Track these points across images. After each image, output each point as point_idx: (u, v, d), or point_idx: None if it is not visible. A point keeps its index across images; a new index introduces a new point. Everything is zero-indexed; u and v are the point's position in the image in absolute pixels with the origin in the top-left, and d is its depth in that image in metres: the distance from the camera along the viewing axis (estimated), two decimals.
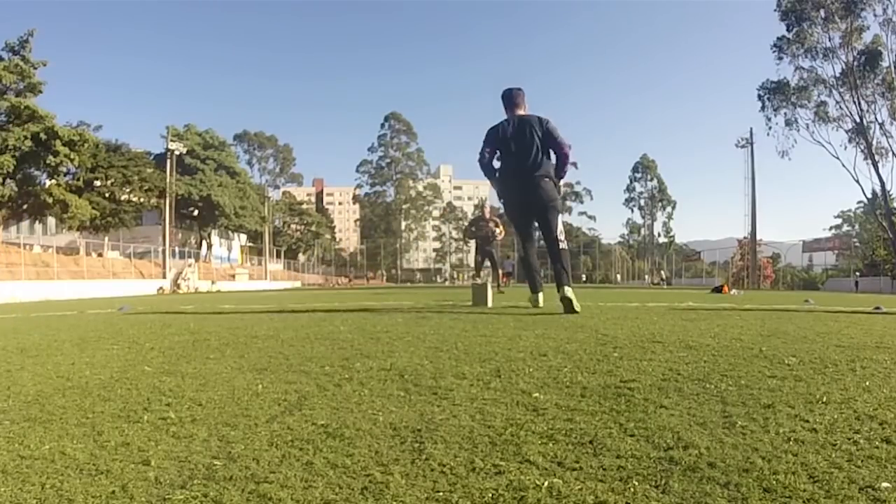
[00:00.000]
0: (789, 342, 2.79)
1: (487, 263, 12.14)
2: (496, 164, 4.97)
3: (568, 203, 72.32)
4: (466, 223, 13.97)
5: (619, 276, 64.05)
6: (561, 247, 4.84)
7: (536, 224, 5.09)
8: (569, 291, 4.64)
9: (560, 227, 4.93)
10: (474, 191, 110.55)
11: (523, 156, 4.75)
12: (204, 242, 49.17)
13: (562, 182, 5.07)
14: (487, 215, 11.75)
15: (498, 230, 11.48)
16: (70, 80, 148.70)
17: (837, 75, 33.99)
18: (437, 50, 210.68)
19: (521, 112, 4.96)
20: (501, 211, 6.08)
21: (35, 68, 27.65)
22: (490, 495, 0.96)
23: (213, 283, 34.83)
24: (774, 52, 35.77)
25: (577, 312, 4.48)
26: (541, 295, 5.24)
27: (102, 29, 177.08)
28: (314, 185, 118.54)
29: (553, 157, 4.86)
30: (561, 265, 4.80)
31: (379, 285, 44.63)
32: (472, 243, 12.88)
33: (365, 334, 3.32)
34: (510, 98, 5.01)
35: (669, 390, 1.69)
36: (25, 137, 25.51)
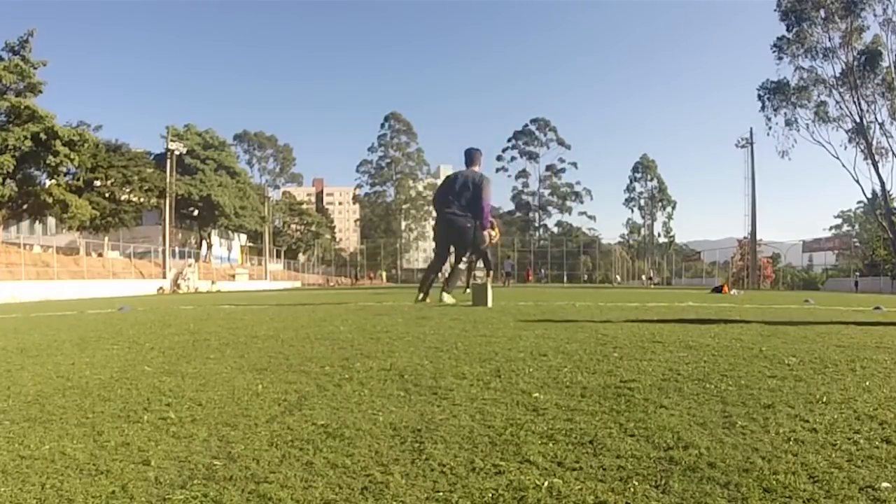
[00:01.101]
0: (789, 342, 2.79)
1: (481, 264, 12.10)
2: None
3: (568, 203, 72.32)
4: None
5: (618, 277, 64.09)
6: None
7: (453, 249, 6.79)
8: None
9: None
10: None
11: (458, 202, 6.26)
12: (204, 242, 49.14)
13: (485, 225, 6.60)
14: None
15: (494, 232, 11.48)
16: (70, 80, 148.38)
17: (837, 75, 33.98)
18: (437, 49, 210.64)
19: (474, 168, 6.48)
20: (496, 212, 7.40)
21: (35, 68, 27.62)
22: (490, 495, 0.96)
23: (213, 283, 34.79)
24: (774, 52, 35.75)
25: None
26: (429, 296, 6.61)
27: (102, 29, 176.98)
28: (314, 185, 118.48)
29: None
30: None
31: (378, 286, 44.60)
32: None
33: (365, 334, 3.33)
34: (469, 155, 6.54)
35: (669, 390, 1.69)
36: (25, 137, 25.49)
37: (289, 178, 72.54)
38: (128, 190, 34.81)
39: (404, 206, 76.19)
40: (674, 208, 69.52)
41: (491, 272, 12.62)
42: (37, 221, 31.59)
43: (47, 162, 26.71)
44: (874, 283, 34.17)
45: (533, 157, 72.06)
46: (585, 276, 64.07)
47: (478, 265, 12.07)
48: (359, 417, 1.46)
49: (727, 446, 1.18)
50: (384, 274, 66.84)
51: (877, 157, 33.32)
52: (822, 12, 33.23)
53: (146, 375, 2.13)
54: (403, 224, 76.63)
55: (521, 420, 1.40)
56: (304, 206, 74.93)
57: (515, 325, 3.79)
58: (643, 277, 54.18)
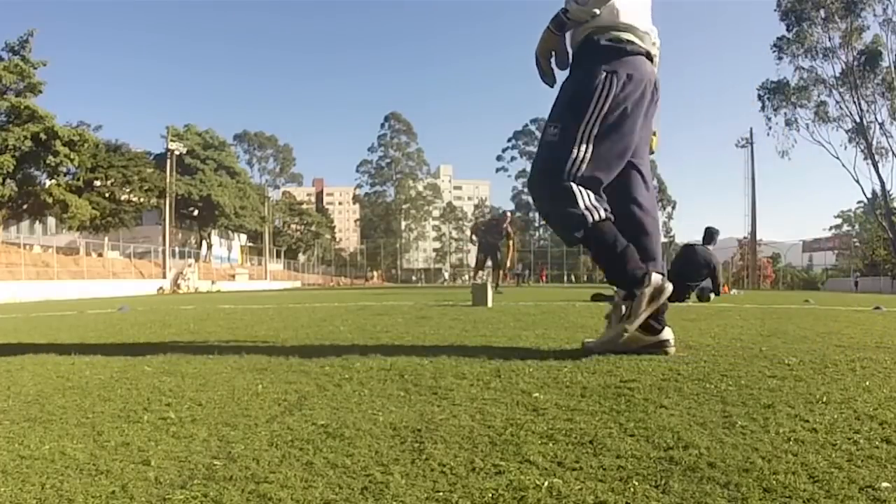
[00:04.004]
0: (789, 342, 2.79)
1: (489, 263, 12.28)
2: None
3: None
4: (478, 221, 14.49)
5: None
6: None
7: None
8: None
9: None
10: (474, 191, 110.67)
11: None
12: (204, 242, 49.16)
13: None
14: (509, 218, 12.18)
15: (505, 237, 11.79)
16: (70, 80, 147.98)
17: (837, 75, 34.05)
18: (437, 49, 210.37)
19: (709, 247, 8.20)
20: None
21: (35, 68, 27.67)
22: (490, 495, 0.96)
23: (213, 283, 34.82)
24: (774, 52, 35.81)
25: None
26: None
27: (102, 29, 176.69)
28: (314, 185, 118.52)
29: None
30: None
31: (377, 286, 44.56)
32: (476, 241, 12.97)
33: (365, 334, 3.33)
34: (711, 235, 8.20)
35: (669, 390, 1.69)
36: (25, 137, 25.52)
37: (289, 178, 72.62)
38: (128, 190, 34.85)
39: (404, 206, 76.23)
40: (674, 208, 69.71)
41: (500, 272, 12.76)
42: (37, 221, 31.63)
43: (47, 162, 26.75)
44: (874, 283, 34.17)
45: (533, 156, 72.01)
46: (585, 277, 64.04)
47: (486, 264, 12.26)
48: (359, 417, 1.46)
49: (727, 446, 1.18)
50: (382, 274, 66.87)
51: (877, 157, 33.39)
52: (822, 12, 33.31)
53: (146, 375, 2.13)
54: (403, 224, 76.68)
55: (521, 420, 1.40)
56: (304, 206, 74.98)
57: (515, 325, 3.79)
58: None
